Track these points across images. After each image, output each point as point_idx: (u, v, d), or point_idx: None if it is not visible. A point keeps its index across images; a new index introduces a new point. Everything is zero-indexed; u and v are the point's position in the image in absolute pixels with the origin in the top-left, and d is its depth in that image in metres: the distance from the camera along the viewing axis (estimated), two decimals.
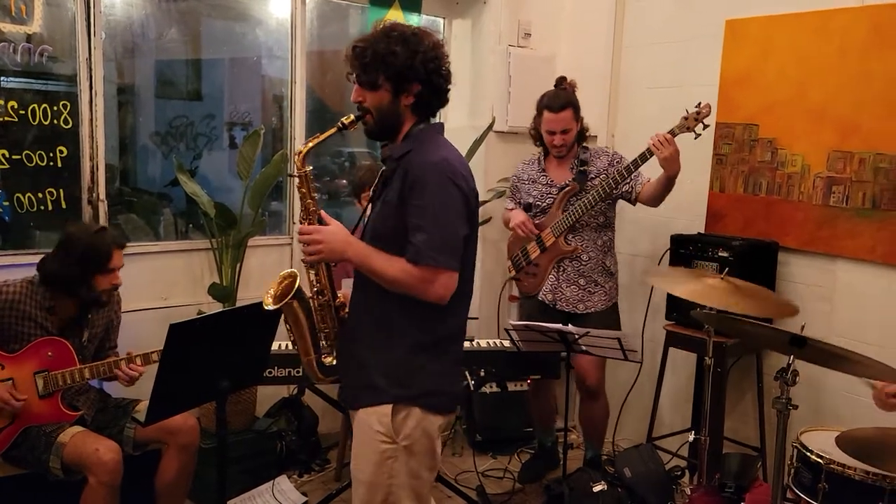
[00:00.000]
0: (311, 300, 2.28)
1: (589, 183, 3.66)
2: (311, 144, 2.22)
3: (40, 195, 3.37)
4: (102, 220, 3.52)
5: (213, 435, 3.34)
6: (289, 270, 2.29)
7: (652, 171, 3.57)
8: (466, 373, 3.35)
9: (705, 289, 2.87)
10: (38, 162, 3.34)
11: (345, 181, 4.98)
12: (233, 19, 4.28)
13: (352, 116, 2.22)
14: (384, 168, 2.31)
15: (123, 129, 4.07)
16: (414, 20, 4.45)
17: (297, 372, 3.25)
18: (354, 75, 2.21)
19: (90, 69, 3.42)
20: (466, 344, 3.49)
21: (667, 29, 4.27)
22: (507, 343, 3.46)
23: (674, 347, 3.85)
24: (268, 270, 4.01)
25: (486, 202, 4.29)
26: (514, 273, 3.93)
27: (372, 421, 2.19)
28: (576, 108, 3.66)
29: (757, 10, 3.80)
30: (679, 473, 3.69)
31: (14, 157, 3.28)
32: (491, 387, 4.33)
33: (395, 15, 4.36)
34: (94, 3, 3.40)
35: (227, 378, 2.43)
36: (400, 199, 2.13)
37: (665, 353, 3.88)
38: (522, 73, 4.49)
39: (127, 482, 2.85)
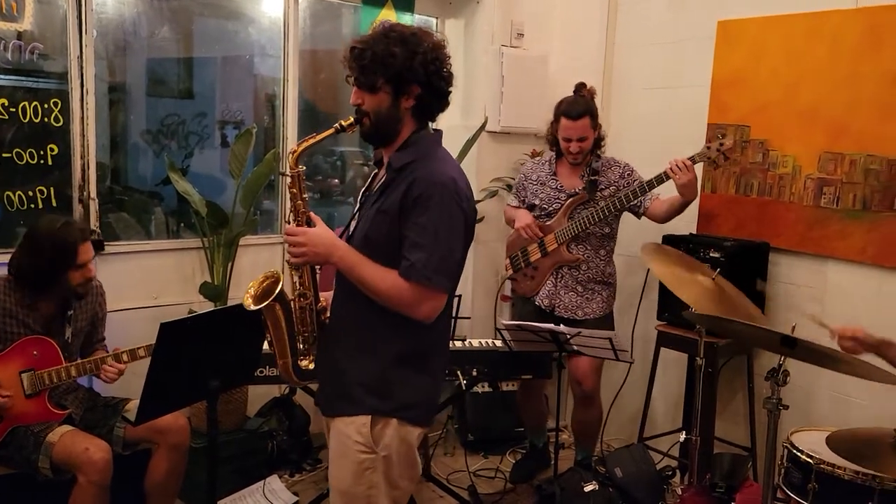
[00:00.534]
0: (292, 302, 2.22)
1: (598, 194, 3.64)
2: (305, 145, 2.15)
3: (30, 193, 3.35)
4: (93, 219, 3.50)
5: (203, 434, 3.33)
6: (272, 270, 2.23)
7: (662, 190, 3.58)
8: (458, 372, 3.35)
9: (694, 283, 2.88)
10: (29, 160, 3.32)
11: (336, 181, 4.98)
12: (225, 18, 4.27)
13: (350, 119, 2.15)
14: (377, 172, 2.27)
15: (114, 128, 4.05)
16: (407, 20, 4.44)
17: None
18: (353, 77, 2.15)
19: (81, 67, 3.40)
20: (459, 343, 3.50)
21: (659, 30, 4.28)
22: (499, 343, 3.46)
23: (665, 347, 3.86)
24: (259, 269, 3.90)
25: (478, 202, 4.28)
26: (511, 273, 3.92)
27: (350, 431, 2.15)
28: (593, 115, 3.61)
29: (749, 12, 3.81)
30: (670, 473, 3.70)
31: (4, 155, 3.26)
32: (483, 386, 4.34)
33: (387, 14, 4.36)
34: (85, 1, 3.38)
35: (218, 377, 2.42)
36: (400, 212, 2.07)
37: (656, 354, 3.89)
38: (515, 74, 4.49)
39: (116, 482, 2.83)
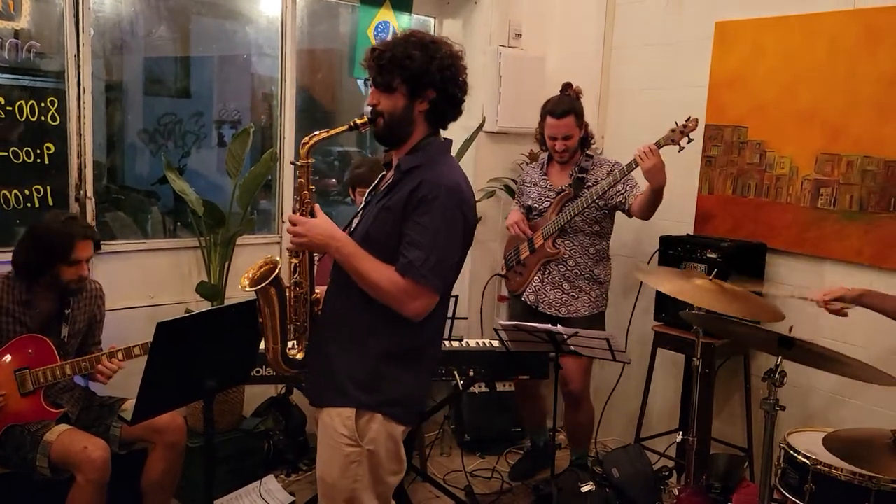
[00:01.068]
0: (287, 290, 2.26)
1: (584, 190, 3.66)
2: (318, 138, 2.21)
3: (27, 192, 3.34)
4: (90, 218, 3.49)
5: (200, 434, 3.32)
6: (271, 257, 2.27)
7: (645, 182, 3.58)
8: (455, 372, 3.35)
9: (693, 289, 2.89)
10: (25, 159, 3.32)
11: (334, 180, 4.97)
12: (223, 17, 4.26)
13: (365, 117, 2.22)
14: (385, 173, 2.34)
15: (111, 127, 4.05)
16: (404, 20, 4.44)
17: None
18: (371, 78, 2.21)
19: (78, 66, 3.39)
20: (456, 344, 3.49)
21: (657, 30, 4.29)
22: (495, 343, 3.46)
23: (662, 348, 3.86)
24: None
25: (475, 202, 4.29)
26: (504, 271, 3.94)
27: (336, 423, 2.19)
28: (578, 114, 3.66)
29: (747, 13, 3.81)
30: (667, 474, 3.70)
31: (0, 153, 3.26)
32: (479, 387, 4.34)
33: (385, 14, 4.35)
34: (82, 0, 3.37)
35: (215, 377, 2.42)
36: (403, 210, 2.13)
37: (653, 354, 3.89)
38: (513, 74, 4.49)
39: (113, 481, 2.83)
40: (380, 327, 2.18)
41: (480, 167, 4.52)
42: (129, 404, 2.96)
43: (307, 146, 2.21)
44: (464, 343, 3.56)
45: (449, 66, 2.18)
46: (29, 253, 2.89)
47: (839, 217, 3.50)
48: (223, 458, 3.52)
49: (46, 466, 2.78)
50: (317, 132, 2.21)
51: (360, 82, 4.82)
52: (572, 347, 3.23)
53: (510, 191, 4.39)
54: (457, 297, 3.28)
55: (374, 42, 4.27)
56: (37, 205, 3.36)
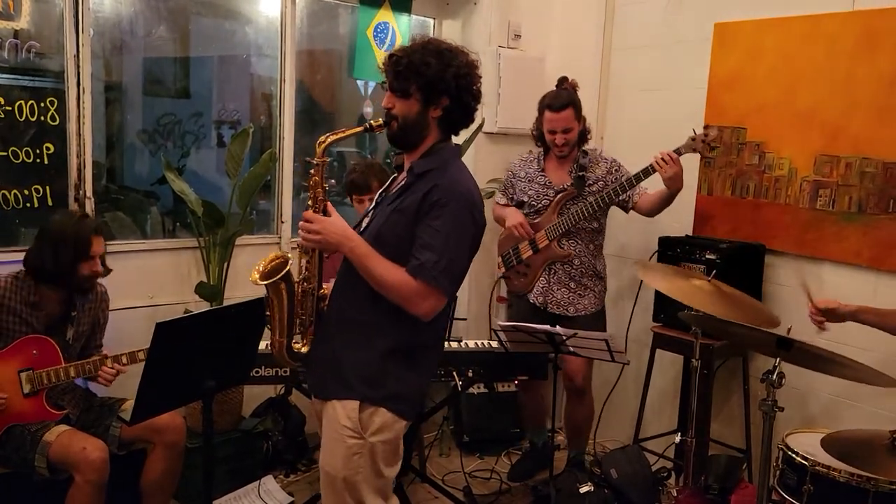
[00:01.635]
0: (296, 285, 2.32)
1: (587, 189, 3.66)
2: (333, 137, 2.28)
3: (26, 192, 3.34)
4: None
5: (199, 434, 3.33)
6: (281, 252, 2.33)
7: (651, 184, 3.59)
8: (454, 373, 3.35)
9: (691, 289, 2.89)
10: (25, 159, 3.32)
11: (332, 181, 4.97)
12: (222, 17, 4.26)
13: (380, 120, 2.28)
14: (397, 175, 2.39)
15: (111, 127, 4.05)
16: (404, 21, 4.44)
17: (285, 372, 3.24)
18: (387, 82, 2.26)
19: (78, 66, 3.39)
20: (454, 344, 3.49)
21: (656, 31, 4.28)
22: (494, 344, 3.46)
23: (661, 349, 3.86)
24: None
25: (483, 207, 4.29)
26: (503, 271, 3.93)
27: (340, 415, 2.25)
28: (577, 107, 3.65)
29: (746, 14, 3.81)
30: (665, 475, 3.71)
31: (0, 153, 3.26)
32: (479, 387, 4.34)
33: (385, 15, 4.35)
34: (82, 0, 3.37)
35: (214, 377, 2.41)
36: (416, 213, 2.19)
37: (652, 355, 3.89)
38: (512, 75, 4.49)
39: (112, 481, 2.83)
40: (385, 325, 2.25)
41: (479, 168, 4.52)
42: (129, 405, 2.96)
43: (323, 145, 2.27)
44: (463, 344, 3.56)
45: (464, 74, 2.24)
46: (51, 256, 2.89)
47: (838, 218, 3.50)
48: (222, 459, 3.52)
49: (45, 466, 2.78)
50: (333, 132, 2.29)
51: (360, 83, 4.82)
52: (571, 348, 3.24)
53: None
54: (456, 297, 3.28)
55: (373, 43, 4.28)
56: (36, 205, 3.36)
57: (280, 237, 4.18)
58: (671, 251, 3.82)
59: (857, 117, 3.41)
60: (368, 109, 4.81)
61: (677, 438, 3.36)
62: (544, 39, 4.70)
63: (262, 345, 2.59)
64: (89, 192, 3.50)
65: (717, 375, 3.73)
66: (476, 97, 2.30)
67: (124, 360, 2.94)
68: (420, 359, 2.32)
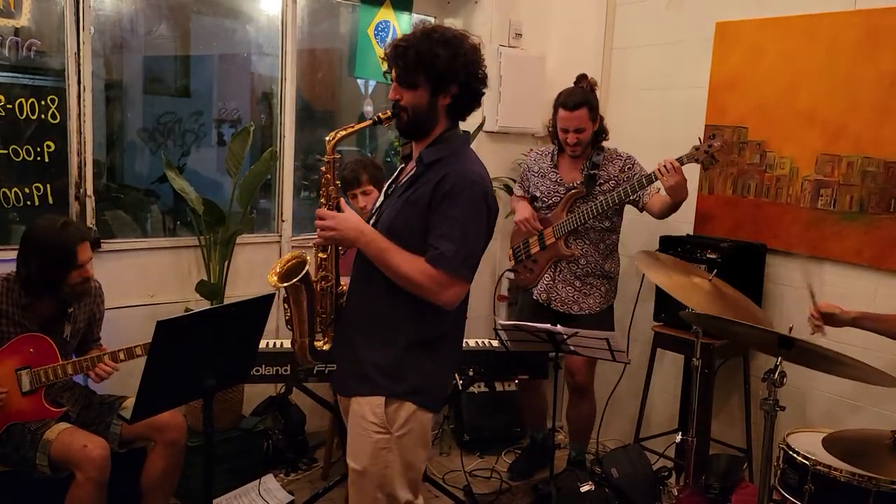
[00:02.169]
0: (315, 284, 2.31)
1: (597, 188, 3.63)
2: (343, 133, 2.27)
3: (27, 190, 3.34)
4: (89, 216, 3.49)
5: (199, 433, 3.32)
6: (297, 252, 2.33)
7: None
8: (455, 372, 3.35)
9: (691, 286, 2.88)
10: (25, 157, 3.32)
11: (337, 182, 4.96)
12: (223, 16, 4.26)
13: (388, 112, 2.26)
14: (404, 166, 2.38)
15: (111, 125, 4.05)
16: (405, 19, 4.44)
17: (285, 370, 3.24)
18: (393, 73, 2.24)
19: (78, 64, 3.39)
20: None
21: (657, 30, 4.28)
22: (495, 343, 3.46)
23: (662, 348, 3.86)
24: (256, 268, 4.00)
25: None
26: (513, 264, 3.92)
27: (365, 412, 2.24)
28: (592, 107, 3.59)
29: (747, 13, 3.81)
30: (666, 474, 3.70)
31: (0, 151, 3.25)
32: (479, 387, 4.34)
33: (385, 14, 4.35)
34: None
35: (214, 376, 2.41)
36: (429, 204, 2.17)
37: (653, 354, 3.89)
38: (513, 73, 4.49)
39: (113, 480, 2.83)
40: (403, 317, 2.24)
41: None
42: (130, 402, 2.96)
43: (332, 142, 2.27)
44: (463, 342, 3.56)
45: (472, 61, 2.22)
46: (39, 268, 2.86)
47: (839, 218, 3.50)
48: (222, 457, 3.52)
49: (46, 465, 2.78)
50: (342, 128, 2.28)
51: (360, 82, 4.81)
52: (572, 347, 3.23)
53: (510, 190, 4.38)
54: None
55: (374, 41, 4.28)
56: (37, 203, 3.36)
57: (280, 236, 4.18)
58: (672, 250, 3.80)
59: (859, 116, 3.41)
60: (369, 108, 4.80)
61: (678, 438, 3.36)
62: (545, 38, 4.70)
63: (263, 343, 2.59)
64: (90, 191, 3.50)
65: (718, 375, 3.73)
66: (483, 81, 2.27)
67: (122, 356, 2.92)
68: (441, 349, 2.31)
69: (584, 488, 3.40)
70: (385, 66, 2.28)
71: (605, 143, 3.74)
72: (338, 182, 2.29)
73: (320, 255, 2.30)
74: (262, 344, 3.11)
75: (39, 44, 3.33)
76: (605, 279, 3.75)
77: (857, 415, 3.46)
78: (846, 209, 3.47)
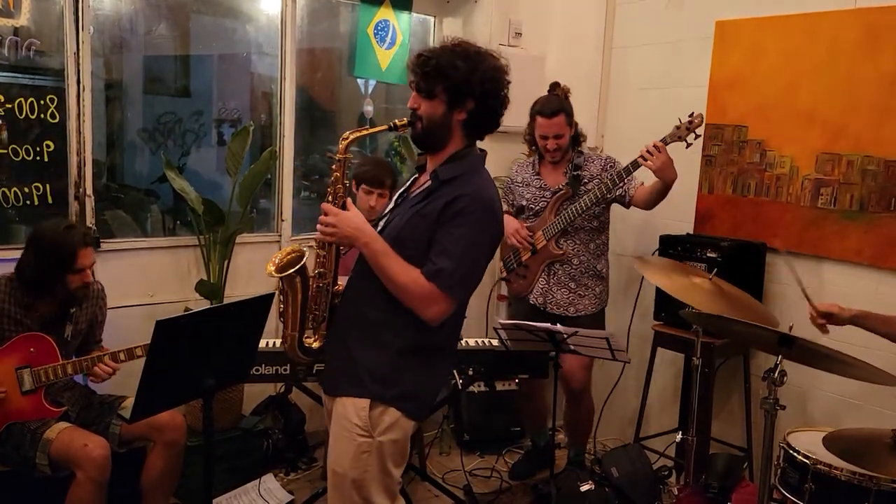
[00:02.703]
0: (311, 279, 2.32)
1: (582, 188, 3.65)
2: (357, 134, 2.31)
3: (26, 190, 3.34)
4: (89, 216, 3.49)
5: (199, 433, 3.32)
6: (298, 246, 2.35)
7: (646, 176, 3.58)
8: (455, 372, 3.35)
9: (691, 286, 2.88)
10: (25, 156, 3.31)
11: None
12: (222, 15, 4.26)
13: (405, 119, 2.28)
14: (418, 176, 2.39)
15: (111, 125, 4.04)
16: (404, 18, 4.44)
17: (285, 370, 3.24)
18: (414, 82, 2.26)
19: (78, 64, 3.39)
20: None
21: (657, 30, 4.28)
22: (495, 342, 3.46)
23: (662, 347, 3.86)
24: (255, 268, 3.99)
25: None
26: (504, 274, 3.93)
27: (349, 413, 2.24)
28: (568, 113, 3.64)
29: (747, 12, 3.81)
30: (666, 473, 3.70)
31: (0, 151, 3.25)
32: (479, 386, 4.33)
33: (385, 13, 4.35)
34: None
35: (214, 375, 2.41)
36: (438, 218, 2.18)
37: (653, 353, 3.89)
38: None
39: (112, 480, 2.82)
40: (398, 324, 2.24)
41: None
42: (129, 402, 2.96)
43: (346, 141, 2.30)
44: (463, 342, 3.56)
45: (491, 78, 2.24)
46: (35, 269, 2.87)
47: (839, 217, 3.49)
48: (222, 457, 3.52)
49: (47, 464, 2.78)
50: (356, 129, 2.32)
51: (360, 81, 4.81)
52: (572, 347, 3.23)
53: None
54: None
55: (374, 41, 4.28)
56: (36, 203, 3.36)
57: (280, 235, 4.18)
58: (672, 249, 3.81)
59: (859, 115, 3.41)
60: (369, 108, 4.80)
61: (678, 437, 3.36)
62: (545, 38, 4.69)
63: (263, 342, 2.58)
64: (89, 190, 3.50)
65: (718, 374, 3.73)
66: (503, 102, 2.30)
67: (122, 356, 2.92)
68: (433, 360, 2.31)
69: (584, 488, 3.40)
70: (410, 76, 2.29)
71: (582, 148, 3.78)
72: (346, 182, 2.30)
73: (320, 251, 2.31)
74: (262, 343, 3.11)
75: (39, 43, 3.33)
76: (598, 279, 3.76)
77: (858, 414, 3.46)
78: (846, 208, 3.47)
